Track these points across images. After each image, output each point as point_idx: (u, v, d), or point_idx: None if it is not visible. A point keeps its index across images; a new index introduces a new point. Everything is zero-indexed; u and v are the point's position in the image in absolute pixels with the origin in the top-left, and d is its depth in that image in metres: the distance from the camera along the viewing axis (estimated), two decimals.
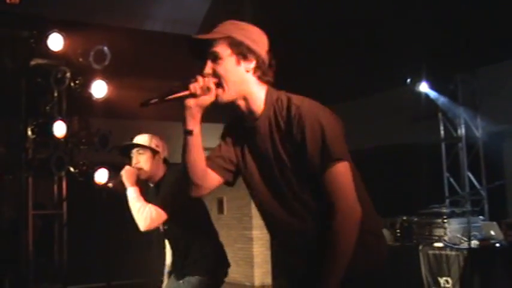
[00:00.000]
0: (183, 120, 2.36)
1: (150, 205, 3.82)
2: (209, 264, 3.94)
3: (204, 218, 4.13)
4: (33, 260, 6.54)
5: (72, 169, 6.74)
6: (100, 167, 6.76)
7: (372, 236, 2.51)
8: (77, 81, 6.78)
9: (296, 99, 2.35)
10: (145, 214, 3.80)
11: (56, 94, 6.76)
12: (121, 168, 4.11)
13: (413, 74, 7.39)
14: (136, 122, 8.71)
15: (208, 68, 2.33)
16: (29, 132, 6.54)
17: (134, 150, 4.06)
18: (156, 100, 2.26)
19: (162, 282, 4.38)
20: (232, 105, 2.40)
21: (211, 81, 2.31)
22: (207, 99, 2.31)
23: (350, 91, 8.33)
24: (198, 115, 2.34)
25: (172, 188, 3.85)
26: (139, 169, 4.00)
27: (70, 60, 6.70)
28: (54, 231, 6.93)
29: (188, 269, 3.94)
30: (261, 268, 10.23)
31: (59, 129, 6.43)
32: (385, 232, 6.75)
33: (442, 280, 5.98)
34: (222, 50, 2.32)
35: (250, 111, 2.41)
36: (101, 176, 6.77)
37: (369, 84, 7.96)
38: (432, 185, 7.43)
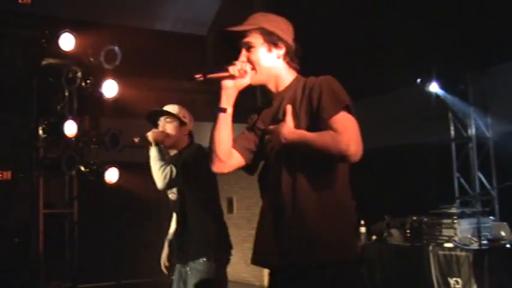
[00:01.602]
0: (218, 99, 2.59)
1: (171, 165, 3.91)
2: (213, 246, 3.99)
3: (215, 199, 4.21)
4: (44, 259, 6.58)
5: (82, 168, 6.77)
6: (110, 166, 6.79)
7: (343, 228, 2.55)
8: (88, 81, 6.82)
9: (315, 77, 2.59)
10: (165, 173, 3.88)
11: (67, 94, 6.79)
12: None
13: (424, 74, 7.36)
14: (146, 121, 8.74)
15: (243, 56, 2.61)
16: (40, 132, 6.58)
17: (162, 118, 4.17)
18: (200, 76, 2.51)
19: (171, 275, 4.41)
20: (263, 87, 2.68)
21: (247, 66, 2.58)
22: (244, 81, 2.59)
23: (360, 91, 8.25)
24: (233, 95, 2.60)
25: (194, 157, 3.99)
26: (166, 135, 4.09)
27: (81, 60, 6.73)
28: (65, 230, 6.96)
29: (191, 247, 3.98)
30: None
31: (70, 128, 6.46)
32: (395, 232, 6.75)
33: (452, 281, 5.97)
34: (255, 39, 2.60)
35: (278, 90, 2.67)
36: (111, 175, 6.79)
37: (379, 84, 7.94)
38: (442, 185, 7.40)
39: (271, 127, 2.59)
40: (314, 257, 2.45)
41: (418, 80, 7.42)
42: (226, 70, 2.56)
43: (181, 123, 4.15)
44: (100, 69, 6.78)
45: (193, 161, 3.96)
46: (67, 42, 6.51)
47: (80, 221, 6.99)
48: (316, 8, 7.71)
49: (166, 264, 4.51)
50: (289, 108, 2.53)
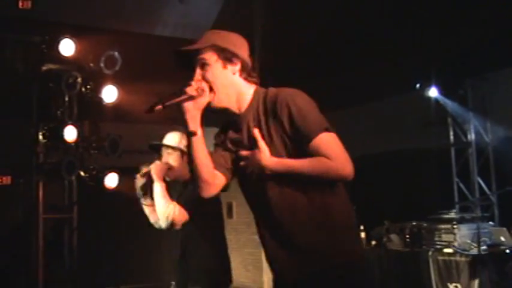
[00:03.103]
0: (185, 123, 2.53)
1: (174, 203, 3.88)
2: (212, 277, 3.94)
3: (221, 230, 4.17)
4: (44, 264, 6.57)
5: (82, 173, 6.78)
6: (110, 171, 6.79)
7: (344, 229, 2.57)
8: (88, 86, 6.83)
9: (277, 88, 2.56)
10: (168, 211, 3.88)
11: (67, 99, 6.80)
12: (136, 170, 4.15)
13: (423, 79, 7.37)
14: (146, 126, 8.73)
15: (198, 74, 2.55)
16: (40, 137, 6.59)
17: (164, 149, 4.17)
18: (159, 106, 2.42)
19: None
20: (225, 110, 2.61)
21: (203, 84, 2.52)
22: (203, 100, 2.52)
23: (359, 96, 8.33)
24: (197, 117, 2.53)
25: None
26: (169, 168, 4.06)
27: (81, 66, 6.75)
28: (65, 235, 6.96)
29: (189, 275, 3.96)
30: (270, 273, 10.24)
31: (70, 133, 6.47)
32: (395, 237, 6.75)
33: (451, 286, 5.97)
34: (209, 56, 2.55)
35: (240, 109, 2.61)
36: (111, 180, 6.80)
37: (378, 89, 7.96)
38: (442, 191, 7.41)
39: (243, 153, 2.57)
40: (323, 263, 2.48)
41: (418, 85, 7.43)
42: (184, 93, 2.49)
43: (184, 153, 4.03)
44: (100, 74, 6.80)
45: (197, 198, 3.86)
46: (67, 47, 6.52)
47: (79, 226, 6.99)
48: (315, 14, 7.72)
49: None
50: (257, 133, 2.50)
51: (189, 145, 2.57)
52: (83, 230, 7.06)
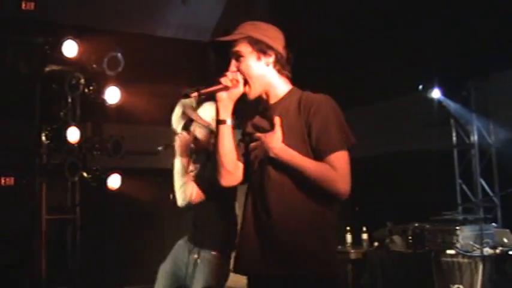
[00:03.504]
0: (216, 112, 2.62)
1: (192, 184, 3.88)
2: (226, 241, 3.97)
3: (232, 204, 4.16)
4: (46, 265, 6.58)
5: (85, 174, 6.78)
6: (113, 173, 6.80)
7: (332, 231, 2.59)
8: (91, 88, 6.83)
9: (314, 93, 2.60)
10: (187, 191, 3.87)
11: (70, 100, 6.80)
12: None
13: (426, 80, 7.37)
14: (149, 127, 8.75)
15: (233, 66, 2.62)
16: (43, 138, 6.59)
17: (194, 123, 4.06)
18: (195, 93, 2.51)
19: None
20: (258, 100, 2.68)
21: (238, 75, 2.59)
22: (237, 91, 2.59)
23: (362, 97, 8.33)
24: (229, 106, 2.61)
25: None
26: (195, 139, 4.01)
27: (84, 67, 6.75)
28: (68, 235, 6.96)
29: (206, 237, 3.97)
30: None
31: (73, 134, 6.48)
32: (397, 239, 6.74)
33: (454, 287, 5.96)
34: (243, 48, 2.61)
35: (273, 99, 2.68)
36: (114, 181, 6.81)
37: (381, 90, 7.95)
38: (444, 192, 7.40)
39: (258, 134, 2.61)
40: (295, 267, 2.47)
41: (420, 87, 7.42)
42: (219, 82, 2.56)
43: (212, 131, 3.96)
44: (103, 75, 6.80)
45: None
46: (70, 49, 6.53)
47: (82, 226, 7.00)
48: (318, 16, 7.73)
49: None
50: (277, 120, 2.54)
51: (217, 133, 2.63)
52: (86, 230, 7.06)
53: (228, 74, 2.58)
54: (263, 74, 2.62)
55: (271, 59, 2.63)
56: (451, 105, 7.49)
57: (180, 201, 3.90)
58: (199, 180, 3.92)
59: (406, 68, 7.41)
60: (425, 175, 7.43)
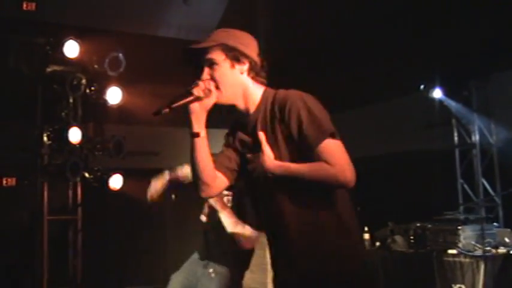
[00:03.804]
0: (189, 124, 2.56)
1: (245, 227, 3.98)
2: (240, 258, 4.13)
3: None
4: (48, 265, 6.58)
5: (87, 175, 6.79)
6: (114, 173, 6.80)
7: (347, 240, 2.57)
8: (92, 88, 6.84)
9: (286, 91, 2.55)
10: (246, 234, 4.01)
11: (71, 100, 6.81)
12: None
13: (427, 80, 7.37)
14: (151, 128, 8.75)
15: (206, 73, 2.55)
16: (45, 138, 6.60)
17: None
18: (166, 109, 2.43)
19: None
20: (232, 108, 2.63)
21: (211, 84, 2.53)
22: (210, 101, 2.53)
23: (363, 97, 8.33)
24: (203, 118, 2.55)
25: None
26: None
27: (85, 67, 6.76)
28: (69, 236, 6.97)
29: (220, 254, 4.08)
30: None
31: (74, 135, 6.48)
32: (399, 238, 6.73)
33: (455, 287, 5.95)
34: (217, 56, 2.55)
35: (248, 110, 2.62)
36: (116, 181, 6.81)
37: (382, 90, 7.95)
38: (446, 192, 7.40)
39: (249, 156, 2.59)
40: (323, 273, 2.48)
41: (422, 87, 7.42)
42: (191, 94, 2.50)
43: None
44: (104, 76, 6.81)
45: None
46: (71, 49, 6.54)
47: (84, 227, 7.00)
48: (318, 15, 7.73)
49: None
50: (262, 136, 2.51)
51: (192, 146, 2.58)
52: (88, 231, 7.07)
53: (200, 83, 2.53)
54: (237, 82, 2.57)
55: (245, 66, 2.58)
56: (453, 105, 7.49)
57: (249, 246, 4.06)
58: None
59: (408, 68, 7.41)
60: (426, 175, 7.43)
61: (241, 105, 2.62)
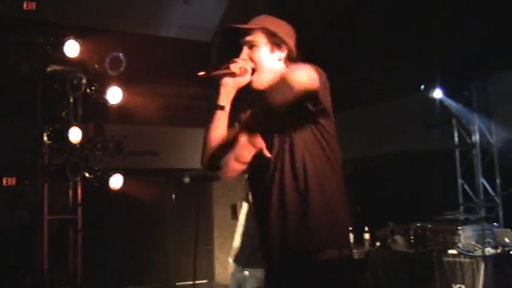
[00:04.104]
0: (216, 96, 2.57)
1: None
2: None
3: None
4: (48, 264, 6.58)
5: (87, 174, 6.79)
6: (115, 173, 6.81)
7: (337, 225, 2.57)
8: (93, 88, 6.84)
9: None
10: None
11: (71, 100, 6.82)
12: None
13: (427, 80, 7.36)
14: (151, 127, 8.76)
15: (245, 54, 2.59)
16: (45, 138, 6.60)
17: None
18: (203, 73, 2.48)
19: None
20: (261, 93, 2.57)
21: (248, 64, 2.56)
22: (243, 79, 2.56)
23: (363, 97, 8.32)
24: (231, 93, 2.57)
25: None
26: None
27: (86, 67, 6.76)
28: (69, 235, 6.97)
29: (253, 257, 4.18)
30: None
31: (75, 135, 6.48)
32: (399, 238, 6.74)
33: (455, 287, 5.96)
34: (258, 38, 2.60)
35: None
36: (116, 181, 6.81)
37: (383, 90, 7.95)
38: (446, 192, 7.39)
39: (243, 116, 2.64)
40: (305, 254, 2.49)
41: (422, 87, 7.42)
42: (228, 68, 2.53)
43: None
44: (105, 75, 6.81)
45: None
46: (72, 48, 6.54)
47: (84, 227, 7.00)
48: (319, 15, 7.73)
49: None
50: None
51: (211, 117, 2.59)
52: (88, 231, 7.07)
53: (238, 61, 2.55)
54: (273, 66, 2.61)
55: (284, 53, 2.63)
56: (453, 105, 7.48)
57: None
58: None
59: (408, 68, 7.40)
60: (427, 175, 7.42)
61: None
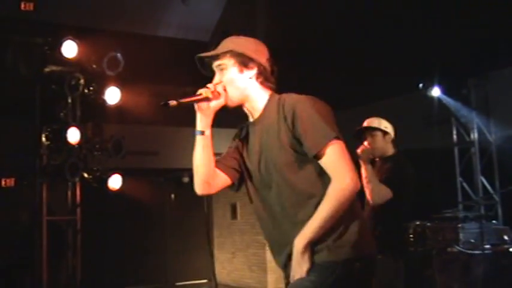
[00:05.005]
0: (196, 122, 2.66)
1: (382, 185, 4.42)
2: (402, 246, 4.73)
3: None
4: (47, 265, 6.58)
5: (86, 175, 6.78)
6: (113, 173, 6.80)
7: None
8: (91, 88, 6.84)
9: (289, 95, 2.62)
10: (380, 190, 4.40)
11: (70, 100, 6.81)
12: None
13: (426, 79, 7.37)
14: (149, 127, 8.76)
15: (217, 77, 2.68)
16: (43, 139, 6.60)
17: (368, 133, 4.71)
18: (174, 103, 2.51)
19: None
20: (240, 110, 2.74)
21: (221, 87, 2.64)
22: (218, 103, 2.64)
23: (362, 96, 8.33)
24: (209, 117, 2.66)
25: (404, 176, 4.57)
26: (373, 148, 4.62)
27: (84, 67, 6.75)
28: (68, 236, 6.96)
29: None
30: (274, 273, 10.22)
31: (73, 135, 6.48)
32: None
33: (455, 285, 5.96)
34: (226, 61, 2.67)
35: (254, 113, 2.72)
36: (115, 181, 6.80)
37: (381, 89, 7.96)
38: (445, 190, 7.40)
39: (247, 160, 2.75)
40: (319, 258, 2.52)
41: (421, 85, 7.42)
42: (200, 93, 2.60)
43: (385, 133, 4.72)
44: (103, 76, 6.80)
45: (399, 180, 4.48)
46: (70, 49, 6.53)
47: (83, 227, 6.99)
48: (317, 14, 7.72)
49: None
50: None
51: (196, 144, 2.67)
52: (87, 231, 7.07)
53: (210, 85, 2.63)
54: (245, 86, 2.67)
55: (253, 71, 2.67)
56: (451, 103, 7.49)
57: (375, 198, 4.42)
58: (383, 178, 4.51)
59: (406, 67, 7.41)
60: (425, 173, 7.41)
61: (247, 108, 2.73)
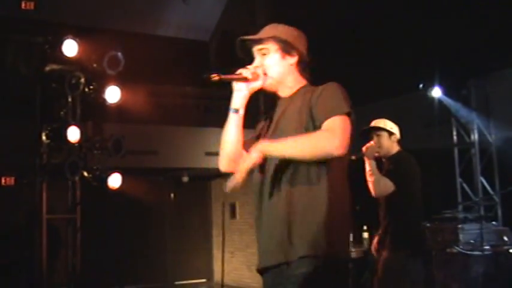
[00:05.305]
0: (231, 100, 2.73)
1: (384, 177, 4.64)
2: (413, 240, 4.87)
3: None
4: (47, 264, 6.58)
5: (85, 174, 6.78)
6: (113, 172, 6.79)
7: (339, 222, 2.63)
8: (91, 87, 6.83)
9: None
10: (381, 182, 4.62)
11: (70, 99, 6.80)
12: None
13: (426, 79, 7.37)
14: (149, 126, 8.75)
15: (257, 61, 2.74)
16: (44, 137, 6.59)
17: (374, 133, 4.92)
18: (216, 77, 2.58)
19: None
20: (274, 95, 2.80)
21: (260, 70, 2.70)
22: (256, 84, 2.70)
23: (362, 96, 8.31)
24: (245, 97, 2.72)
25: (406, 170, 4.79)
26: (379, 147, 4.84)
27: (84, 66, 6.75)
28: (68, 235, 6.96)
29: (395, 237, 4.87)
30: None
31: (73, 134, 6.47)
32: None
33: (455, 286, 5.96)
34: (269, 46, 2.73)
35: (284, 98, 2.78)
36: (114, 180, 6.80)
37: (381, 89, 7.95)
38: (445, 191, 7.39)
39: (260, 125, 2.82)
40: (297, 253, 2.54)
41: (421, 85, 7.42)
42: (240, 73, 2.66)
43: (390, 134, 4.92)
44: (103, 75, 6.79)
45: (403, 176, 4.71)
46: (70, 48, 6.52)
47: (82, 226, 6.99)
48: (317, 14, 7.73)
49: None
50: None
51: (228, 122, 2.73)
52: (87, 230, 7.06)
53: (250, 67, 2.69)
54: (285, 72, 2.73)
55: (295, 59, 2.74)
56: (452, 104, 7.49)
57: (377, 191, 4.69)
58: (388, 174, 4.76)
59: (407, 67, 7.41)
60: (425, 174, 7.42)
61: (281, 94, 2.78)
